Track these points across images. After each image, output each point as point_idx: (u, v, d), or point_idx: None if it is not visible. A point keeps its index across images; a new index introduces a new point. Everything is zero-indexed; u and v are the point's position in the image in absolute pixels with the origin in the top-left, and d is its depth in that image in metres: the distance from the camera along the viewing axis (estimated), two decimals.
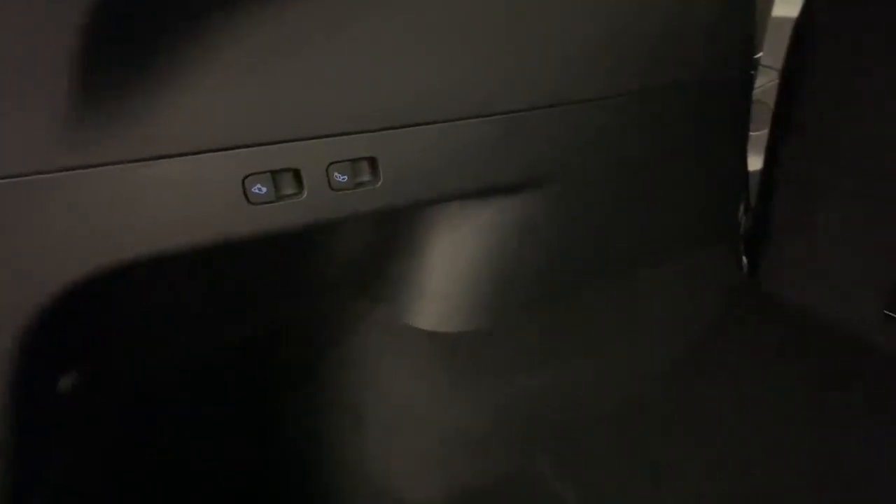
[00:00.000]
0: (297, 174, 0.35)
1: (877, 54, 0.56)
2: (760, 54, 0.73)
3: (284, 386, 0.59)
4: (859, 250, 0.65)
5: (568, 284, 0.57)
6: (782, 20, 0.66)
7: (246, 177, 0.33)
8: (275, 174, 0.34)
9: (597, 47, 0.46)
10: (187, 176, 0.31)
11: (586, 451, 0.57)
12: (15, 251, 0.29)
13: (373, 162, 0.38)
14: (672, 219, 0.64)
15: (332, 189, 0.37)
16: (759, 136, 0.74)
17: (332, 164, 0.36)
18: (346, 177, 0.37)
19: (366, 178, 0.38)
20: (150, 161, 0.30)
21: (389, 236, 0.53)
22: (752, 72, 0.61)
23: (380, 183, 0.38)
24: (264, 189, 0.34)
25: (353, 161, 0.37)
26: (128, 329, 0.44)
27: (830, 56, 0.59)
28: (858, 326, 0.67)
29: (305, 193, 0.36)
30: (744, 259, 0.80)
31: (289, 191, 0.35)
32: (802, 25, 0.60)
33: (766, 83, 0.71)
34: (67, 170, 0.28)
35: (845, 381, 0.62)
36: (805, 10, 0.59)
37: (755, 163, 0.76)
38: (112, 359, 0.44)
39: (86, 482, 0.45)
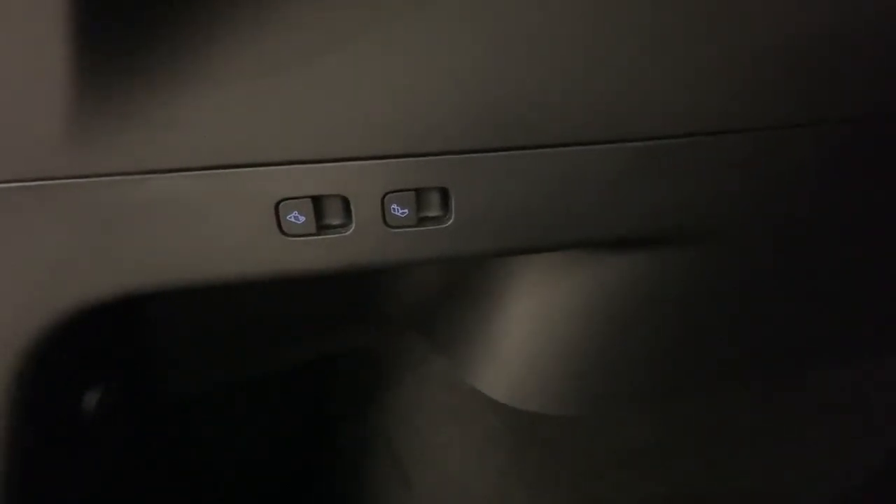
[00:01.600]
0: (345, 202, 0.27)
1: None
2: None
3: (326, 419, 0.52)
4: None
5: (700, 375, 0.42)
6: None
7: (280, 202, 0.26)
8: (316, 201, 0.27)
9: (786, 56, 0.31)
10: (207, 194, 0.25)
11: None
12: (13, 268, 0.25)
13: (444, 193, 0.28)
14: (867, 307, 0.44)
15: (388, 225, 0.28)
16: None
17: (389, 193, 0.27)
18: (407, 210, 0.28)
19: (433, 213, 0.29)
20: (164, 174, 0.24)
21: (464, 277, 0.43)
22: None
23: (451, 221, 0.29)
24: (302, 218, 0.27)
25: (419, 191, 0.28)
26: (158, 349, 0.41)
27: None
28: None
29: (353, 227, 0.28)
30: None
31: (333, 222, 0.28)
32: None
33: None
34: (68, 178, 0.23)
35: None
36: None
37: None
38: (141, 378, 0.41)
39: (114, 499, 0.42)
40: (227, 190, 0.25)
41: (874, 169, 0.36)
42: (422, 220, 0.28)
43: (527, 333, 0.40)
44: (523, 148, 0.27)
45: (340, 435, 0.54)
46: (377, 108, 0.25)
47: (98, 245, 0.25)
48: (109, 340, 0.36)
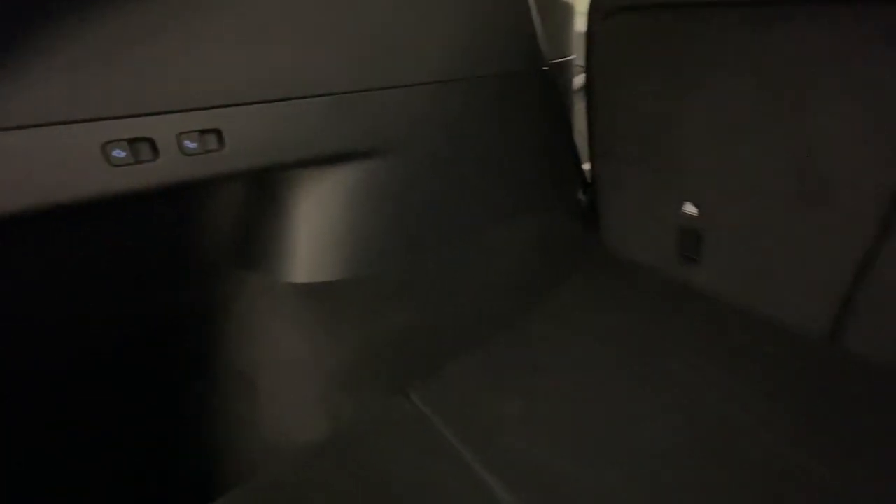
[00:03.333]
0: (152, 142, 0.45)
1: (635, 55, 0.75)
2: (574, 57, 0.92)
3: (178, 363, 0.65)
4: (655, 205, 0.83)
5: (422, 239, 0.69)
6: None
7: (105, 143, 0.42)
8: (131, 142, 0.43)
9: (415, 44, 0.59)
10: (50, 142, 0.40)
11: (449, 382, 0.68)
12: None
13: (218, 133, 0.48)
14: (511, 188, 0.79)
15: (184, 154, 0.46)
16: None
17: (181, 133, 0.45)
18: (195, 144, 0.46)
19: (213, 146, 0.48)
20: (12, 130, 0.38)
21: (259, 206, 0.62)
22: (545, 68, 0.77)
23: (226, 150, 0.48)
24: (123, 153, 0.43)
25: (201, 132, 0.47)
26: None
27: (603, 58, 0.77)
28: (665, 267, 0.85)
29: (160, 157, 0.45)
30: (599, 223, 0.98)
31: (146, 156, 0.45)
32: (587, 36, 0.78)
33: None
34: None
35: (661, 312, 0.79)
36: (587, 25, 0.77)
37: None
38: None
39: None
40: (63, 138, 0.40)
41: (499, 109, 0.68)
42: (207, 151, 0.47)
43: (307, 230, 0.61)
44: (273, 100, 0.49)
45: (190, 373, 0.67)
46: (171, 78, 0.44)
47: None
48: None
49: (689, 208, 0.77)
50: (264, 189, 0.60)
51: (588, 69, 0.81)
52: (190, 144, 0.46)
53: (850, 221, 0.60)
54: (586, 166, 0.96)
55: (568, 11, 0.87)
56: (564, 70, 0.89)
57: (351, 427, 0.62)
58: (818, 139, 0.58)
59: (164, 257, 0.63)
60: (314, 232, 0.62)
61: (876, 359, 0.64)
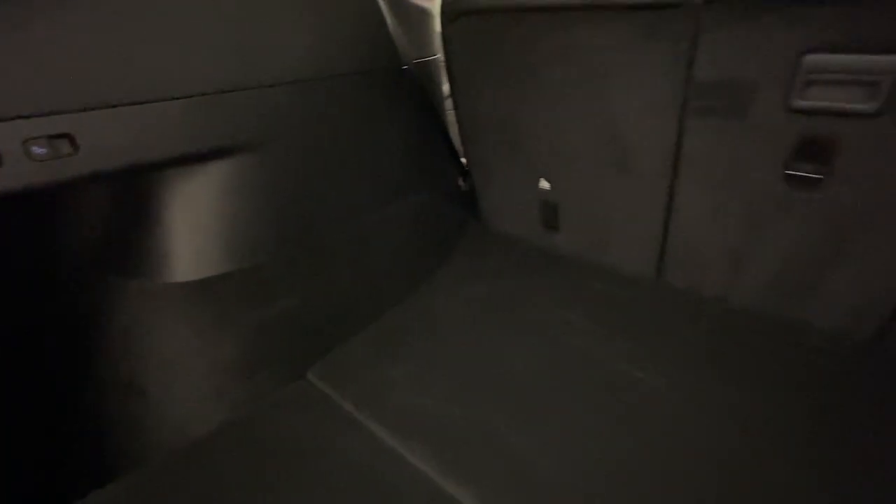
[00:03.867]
0: None
1: (481, 54, 0.85)
2: (438, 56, 1.01)
3: (60, 372, 0.63)
4: (518, 184, 0.94)
5: (300, 228, 0.73)
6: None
7: None
8: None
9: (271, 45, 0.63)
10: None
11: (343, 359, 0.74)
12: None
13: (70, 137, 0.48)
14: (385, 177, 0.86)
15: (33, 160, 0.46)
16: None
17: (27, 139, 0.46)
18: (44, 150, 0.47)
19: (66, 151, 0.48)
20: None
21: (130, 209, 0.62)
22: (405, 66, 0.86)
23: (81, 154, 0.49)
24: None
25: (50, 137, 0.47)
26: None
27: (458, 57, 0.87)
28: (533, 236, 0.98)
29: (4, 165, 0.45)
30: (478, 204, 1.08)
31: None
32: (441, 37, 0.88)
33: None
34: None
35: (531, 273, 0.91)
36: (441, 27, 0.86)
37: None
38: None
39: None
40: None
41: (364, 104, 0.73)
42: (59, 156, 0.48)
43: (181, 229, 0.63)
44: (124, 104, 0.50)
45: (81, 382, 0.65)
46: (14, 83, 0.43)
47: None
48: None
49: (544, 184, 0.90)
50: (133, 191, 0.61)
51: (448, 67, 0.90)
52: (38, 150, 0.46)
53: (651, 180, 0.75)
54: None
55: (424, 14, 0.95)
56: (429, 68, 0.97)
57: (249, 412, 0.65)
58: (619, 117, 0.72)
59: (31, 266, 0.61)
60: (189, 230, 0.63)
61: (693, 288, 0.81)
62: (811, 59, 0.53)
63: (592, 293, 0.84)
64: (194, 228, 0.64)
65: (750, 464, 0.53)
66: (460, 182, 1.09)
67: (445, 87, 0.99)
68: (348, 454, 0.58)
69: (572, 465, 0.54)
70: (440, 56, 0.98)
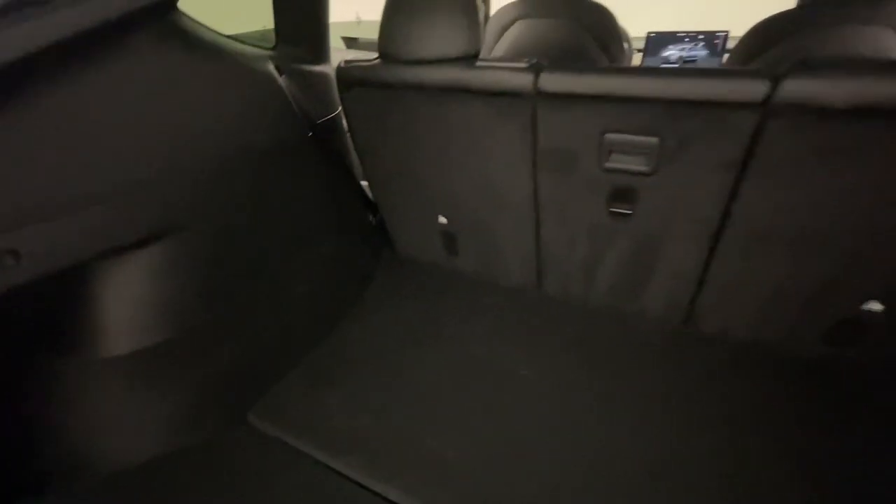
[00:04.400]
0: None
1: (373, 115, 0.99)
2: (339, 111, 1.13)
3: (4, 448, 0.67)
4: (421, 219, 1.10)
5: (233, 287, 0.83)
6: None
7: None
8: None
9: (184, 134, 0.72)
10: None
11: (280, 397, 0.85)
12: None
13: (14, 252, 0.55)
14: (306, 226, 0.98)
15: None
16: None
17: None
18: None
19: (10, 262, 0.55)
20: None
21: (66, 295, 0.69)
22: (311, 133, 0.97)
23: (22, 263, 0.56)
24: None
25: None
26: None
27: (355, 117, 1.01)
28: (439, 261, 1.15)
29: None
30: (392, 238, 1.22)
31: None
32: (341, 100, 1.00)
33: None
34: None
35: (438, 294, 1.08)
36: (339, 94, 0.99)
37: None
38: None
39: None
40: None
41: (280, 171, 0.84)
42: (4, 268, 0.55)
43: (117, 308, 0.70)
44: (60, 212, 0.58)
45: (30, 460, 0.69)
46: None
47: None
48: None
49: (442, 219, 1.07)
50: (66, 279, 0.67)
51: (348, 126, 1.04)
52: None
53: (521, 215, 0.94)
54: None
55: (325, 77, 1.07)
56: (335, 122, 1.09)
57: (193, 460, 0.74)
58: (491, 169, 0.91)
59: None
60: (121, 307, 0.71)
61: (563, 295, 1.02)
62: (608, 136, 0.75)
63: (488, 306, 1.03)
64: (126, 305, 0.71)
65: (616, 436, 0.74)
66: (371, 218, 1.23)
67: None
68: (292, 482, 0.70)
69: (478, 455, 0.72)
70: (340, 111, 1.11)
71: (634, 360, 0.87)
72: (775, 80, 0.60)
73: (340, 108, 1.09)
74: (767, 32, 1.03)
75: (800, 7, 1.08)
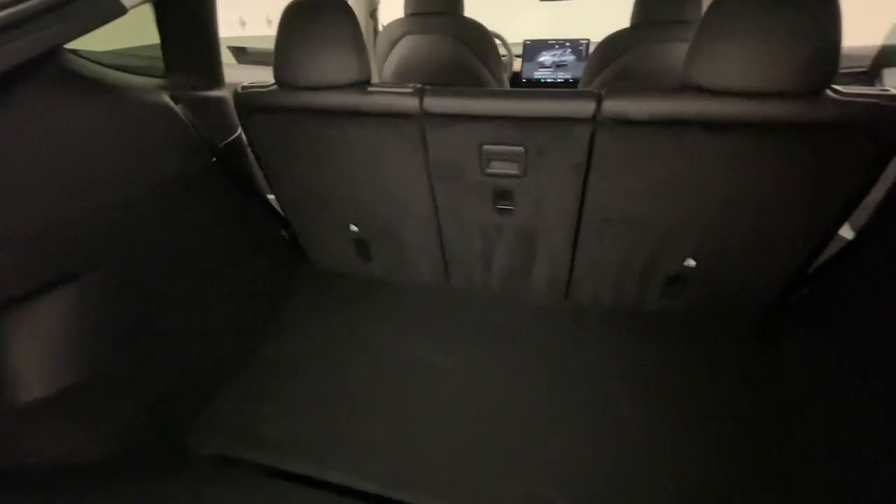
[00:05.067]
0: None
1: (273, 138, 1.05)
2: (239, 133, 1.16)
3: None
4: (334, 229, 1.18)
5: (149, 320, 0.85)
6: None
7: None
8: None
9: (92, 175, 0.73)
10: None
11: (221, 414, 0.89)
12: None
13: None
14: (216, 251, 1.01)
15: None
16: None
17: None
18: None
19: None
20: None
21: None
22: (214, 159, 1.01)
23: None
24: None
25: None
26: None
27: (257, 141, 1.06)
28: (353, 268, 1.24)
29: None
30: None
31: None
32: (241, 125, 1.05)
33: None
34: None
35: (353, 299, 1.17)
36: (238, 119, 1.03)
37: None
38: None
39: None
40: None
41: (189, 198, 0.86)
42: None
43: (32, 347, 0.70)
44: None
45: None
46: None
47: None
48: None
49: (354, 227, 1.15)
50: None
51: (253, 150, 1.07)
52: None
53: (424, 220, 1.07)
54: None
55: (222, 101, 1.09)
56: (236, 146, 1.12)
57: (135, 491, 0.76)
58: (393, 182, 1.02)
59: None
60: (37, 350, 0.71)
61: (467, 286, 1.17)
62: (485, 147, 0.89)
63: (403, 304, 1.15)
64: (41, 348, 0.71)
65: (516, 395, 0.89)
66: (283, 233, 1.27)
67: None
68: (242, 493, 0.76)
69: (411, 437, 0.84)
70: (240, 133, 1.14)
71: (528, 332, 1.05)
72: (599, 100, 0.79)
73: (240, 129, 1.12)
74: (606, 51, 1.26)
75: (632, 27, 1.33)
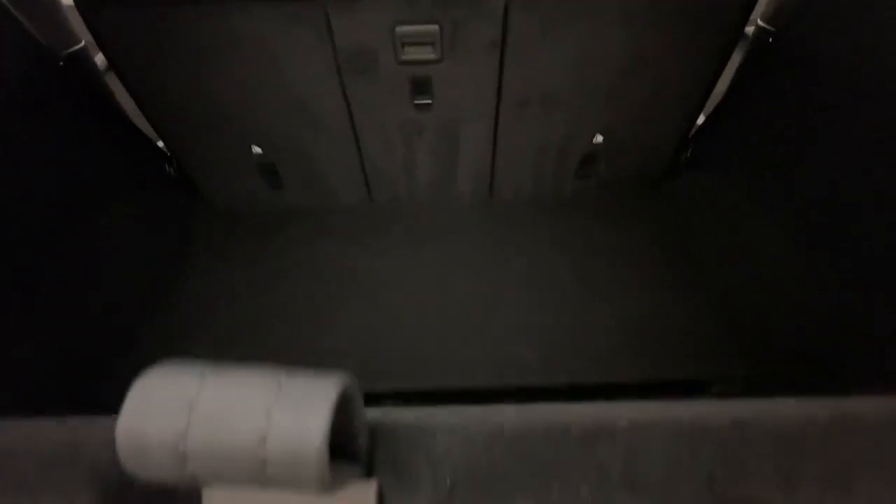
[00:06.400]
0: None
1: (148, 42, 0.87)
2: (83, 44, 0.94)
3: None
4: (228, 156, 1.03)
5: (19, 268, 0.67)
6: None
7: None
8: None
9: None
10: None
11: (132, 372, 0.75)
12: None
13: None
14: (91, 181, 0.83)
15: None
16: None
17: None
18: None
19: None
20: None
21: None
22: (61, 63, 0.81)
23: None
24: None
25: None
26: None
27: (119, 46, 0.86)
28: (262, 201, 1.11)
29: None
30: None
31: None
32: (90, 28, 0.83)
33: None
34: None
35: (268, 235, 1.06)
36: (84, 20, 0.82)
37: None
38: None
39: None
40: None
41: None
42: None
43: None
44: None
45: None
46: None
47: None
48: None
49: (256, 149, 1.02)
50: None
51: (109, 60, 0.87)
52: None
53: (339, 131, 0.99)
54: None
55: (55, 4, 0.86)
56: (83, 57, 0.89)
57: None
58: (300, 86, 0.91)
59: None
60: None
61: (393, 198, 1.13)
62: (398, 29, 0.84)
63: (326, 226, 1.07)
64: None
65: (453, 288, 0.91)
66: (167, 168, 1.09)
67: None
68: None
69: (358, 341, 0.80)
70: (84, 44, 0.91)
71: (457, 235, 1.06)
72: None
73: (83, 42, 0.91)
74: None
75: None
